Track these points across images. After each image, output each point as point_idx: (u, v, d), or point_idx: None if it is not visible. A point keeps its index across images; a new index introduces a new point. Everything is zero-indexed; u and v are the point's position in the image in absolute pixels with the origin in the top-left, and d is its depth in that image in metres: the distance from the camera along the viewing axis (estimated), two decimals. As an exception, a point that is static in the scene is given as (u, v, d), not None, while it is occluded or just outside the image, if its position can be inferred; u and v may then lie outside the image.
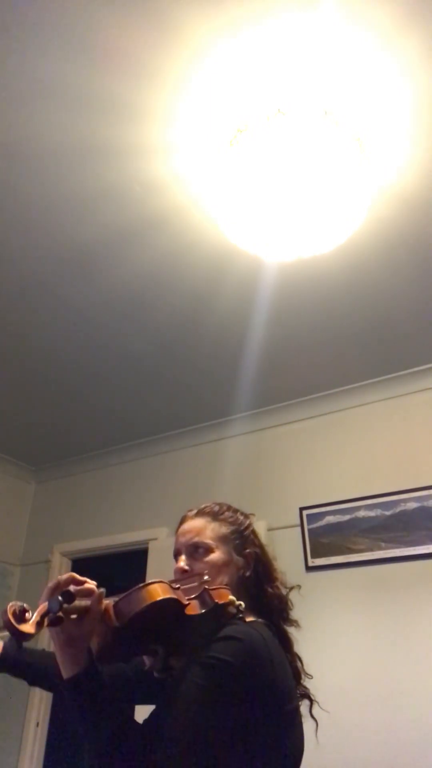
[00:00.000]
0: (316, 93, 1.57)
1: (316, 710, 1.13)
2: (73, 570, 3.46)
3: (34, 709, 3.18)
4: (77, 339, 2.60)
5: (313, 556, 2.67)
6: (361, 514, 2.64)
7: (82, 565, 3.57)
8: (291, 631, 1.15)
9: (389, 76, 1.52)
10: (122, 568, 3.61)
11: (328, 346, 2.63)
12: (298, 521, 2.78)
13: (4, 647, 1.16)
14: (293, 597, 1.20)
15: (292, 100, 1.58)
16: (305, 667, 1.15)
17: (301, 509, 2.79)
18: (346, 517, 2.67)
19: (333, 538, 2.67)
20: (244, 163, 1.62)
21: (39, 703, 3.20)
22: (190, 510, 1.24)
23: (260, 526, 2.68)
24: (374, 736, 2.24)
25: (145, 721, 0.99)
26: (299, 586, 1.23)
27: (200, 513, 1.22)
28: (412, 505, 2.54)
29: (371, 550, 2.55)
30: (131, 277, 2.22)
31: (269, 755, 0.92)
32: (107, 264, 2.17)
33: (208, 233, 2.00)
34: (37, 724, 3.16)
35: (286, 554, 2.71)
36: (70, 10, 1.38)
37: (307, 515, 2.77)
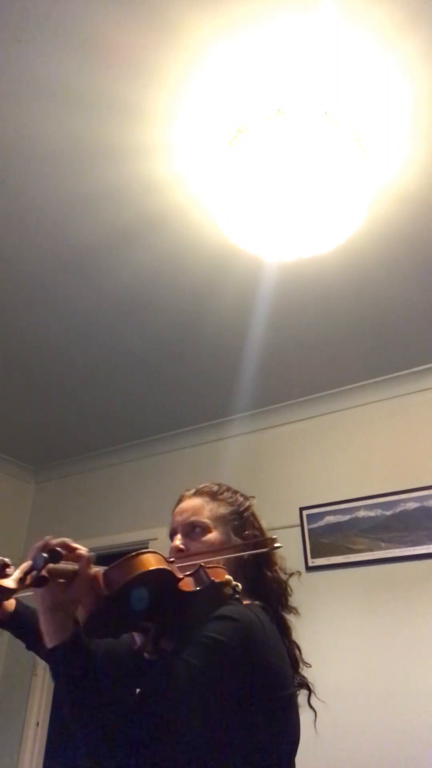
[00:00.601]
0: (316, 93, 1.57)
1: (314, 703, 1.10)
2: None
3: (34, 709, 3.18)
4: (77, 339, 2.60)
5: (313, 556, 2.67)
6: (361, 514, 2.64)
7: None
8: (290, 619, 1.12)
9: (389, 76, 1.52)
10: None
11: (328, 346, 2.63)
12: (298, 521, 2.78)
13: (16, 606, 1.12)
14: (295, 586, 1.17)
15: (292, 100, 1.58)
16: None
17: (301, 509, 2.79)
18: (346, 517, 2.67)
19: (333, 538, 2.67)
20: (244, 163, 1.62)
21: (39, 703, 3.20)
22: (188, 489, 1.21)
23: (260, 526, 2.70)
24: (374, 734, 2.24)
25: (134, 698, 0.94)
26: (299, 573, 1.19)
27: (198, 492, 1.18)
28: (412, 505, 2.54)
29: (371, 550, 2.55)
30: (131, 277, 2.22)
31: (264, 738, 0.89)
32: (107, 264, 2.17)
33: (208, 233, 2.00)
34: (37, 724, 3.16)
35: (286, 554, 2.69)
36: (71, 10, 1.38)
37: (307, 515, 2.77)
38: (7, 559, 0.81)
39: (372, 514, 2.62)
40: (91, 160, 1.76)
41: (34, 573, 0.79)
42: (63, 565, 0.84)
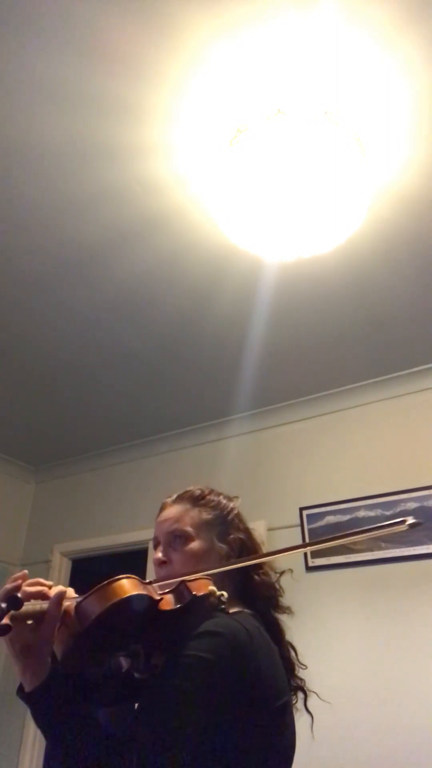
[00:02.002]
0: (316, 93, 1.57)
1: (314, 704, 1.07)
2: (73, 570, 3.50)
3: (34, 709, 3.18)
4: (77, 339, 2.60)
5: (313, 556, 2.67)
6: (361, 514, 2.64)
7: (82, 565, 3.57)
8: (287, 619, 1.08)
9: (389, 76, 1.52)
10: (122, 568, 3.61)
11: (328, 346, 2.63)
12: (298, 521, 2.78)
13: None
14: (292, 594, 1.13)
15: (292, 100, 1.58)
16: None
17: (301, 509, 2.79)
18: (346, 517, 2.67)
19: (333, 538, 2.66)
20: (244, 163, 1.62)
21: (39, 703, 3.20)
22: (169, 496, 1.17)
23: (260, 526, 2.70)
24: (373, 734, 2.24)
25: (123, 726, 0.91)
26: (291, 570, 1.14)
27: (179, 499, 1.15)
28: (412, 505, 2.54)
29: (371, 550, 2.55)
30: (131, 277, 2.22)
31: (255, 754, 0.86)
32: (107, 264, 2.17)
33: (208, 233, 2.00)
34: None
35: (286, 555, 2.70)
36: (71, 10, 1.38)
37: (307, 515, 2.77)
38: None
39: (372, 514, 2.62)
40: (91, 160, 1.76)
41: None
42: (27, 607, 0.80)
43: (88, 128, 1.66)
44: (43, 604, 0.82)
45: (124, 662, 0.94)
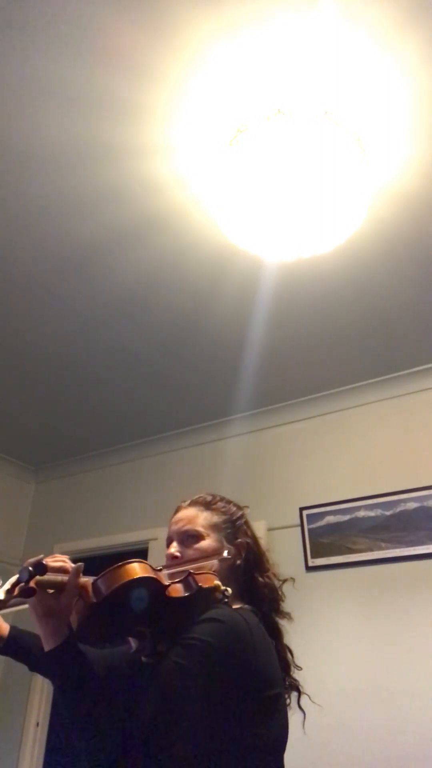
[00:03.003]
0: (316, 93, 1.57)
1: (311, 705, 1.13)
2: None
3: (34, 709, 3.18)
4: (77, 339, 2.60)
5: (313, 556, 2.67)
6: (361, 514, 2.64)
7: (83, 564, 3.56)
8: (286, 622, 1.15)
9: (389, 76, 1.52)
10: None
11: (328, 346, 2.63)
12: (298, 521, 2.78)
13: (10, 631, 1.18)
14: (291, 596, 1.20)
15: (292, 100, 1.58)
16: (302, 665, 1.15)
17: (301, 509, 2.79)
18: (346, 517, 2.67)
19: (333, 538, 2.67)
20: (244, 163, 1.62)
21: (39, 703, 3.20)
22: (184, 501, 1.26)
23: (260, 526, 2.70)
24: (373, 734, 2.24)
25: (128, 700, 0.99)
26: (293, 579, 1.23)
27: (193, 503, 1.24)
28: (412, 505, 2.54)
29: (371, 550, 2.55)
30: (131, 277, 2.22)
31: (246, 737, 0.92)
32: (107, 264, 2.17)
33: (208, 233, 2.00)
34: (37, 724, 3.16)
35: (286, 554, 2.71)
36: (70, 10, 1.38)
37: (307, 515, 2.77)
38: None
39: (372, 514, 2.62)
40: (91, 160, 1.76)
41: (22, 585, 0.84)
42: (50, 577, 0.89)
43: (88, 128, 1.66)
44: (64, 576, 0.92)
45: (133, 643, 1.02)
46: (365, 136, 1.67)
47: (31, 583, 0.85)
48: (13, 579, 0.86)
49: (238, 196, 1.66)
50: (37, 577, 0.85)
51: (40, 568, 0.86)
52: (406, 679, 2.27)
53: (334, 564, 2.61)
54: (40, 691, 3.22)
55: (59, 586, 0.90)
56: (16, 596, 0.85)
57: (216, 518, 1.20)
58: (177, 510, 1.25)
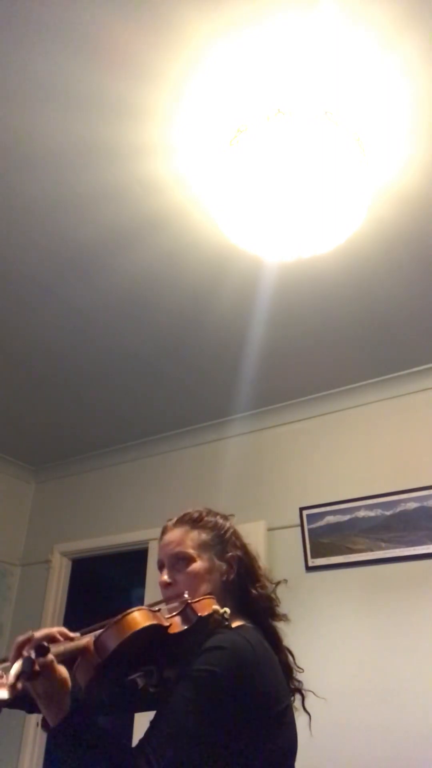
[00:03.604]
0: (316, 93, 1.57)
1: (314, 704, 1.14)
2: (73, 570, 3.50)
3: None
4: (77, 339, 2.60)
5: (313, 556, 2.67)
6: (361, 514, 2.64)
7: (82, 565, 3.57)
8: (281, 626, 1.15)
9: (389, 76, 1.52)
10: (122, 568, 3.61)
11: (328, 346, 2.63)
12: (298, 521, 2.78)
13: None
14: (290, 596, 1.21)
15: (292, 100, 1.58)
16: (302, 666, 1.16)
17: (301, 509, 2.79)
18: (346, 517, 2.67)
19: (333, 538, 2.67)
20: (244, 163, 1.62)
21: (39, 703, 3.19)
22: (170, 519, 1.24)
23: (260, 526, 2.70)
24: (373, 735, 2.24)
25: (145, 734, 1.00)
26: (286, 581, 1.22)
27: (179, 522, 1.21)
28: (412, 505, 2.54)
29: (371, 550, 2.55)
30: (131, 277, 2.22)
31: (259, 754, 0.93)
32: (107, 264, 2.17)
33: (208, 233, 2.00)
34: (37, 724, 3.15)
35: (286, 554, 2.71)
36: (71, 10, 1.38)
37: (307, 515, 2.76)
38: (1, 668, 0.83)
39: (372, 514, 2.62)
40: (91, 160, 1.76)
41: (25, 675, 0.80)
42: (69, 645, 0.88)
43: (88, 128, 1.66)
44: (67, 645, 0.90)
45: (140, 681, 1.02)
46: (365, 136, 1.66)
47: (36, 667, 0.81)
48: (16, 670, 0.80)
49: (238, 196, 1.66)
50: (39, 660, 0.82)
51: (42, 650, 0.82)
52: (406, 678, 2.27)
53: (334, 564, 2.61)
54: (40, 691, 3.22)
55: (80, 652, 0.90)
56: (21, 689, 0.81)
57: (204, 536, 1.17)
58: (164, 530, 1.23)
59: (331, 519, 2.71)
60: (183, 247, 2.07)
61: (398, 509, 2.56)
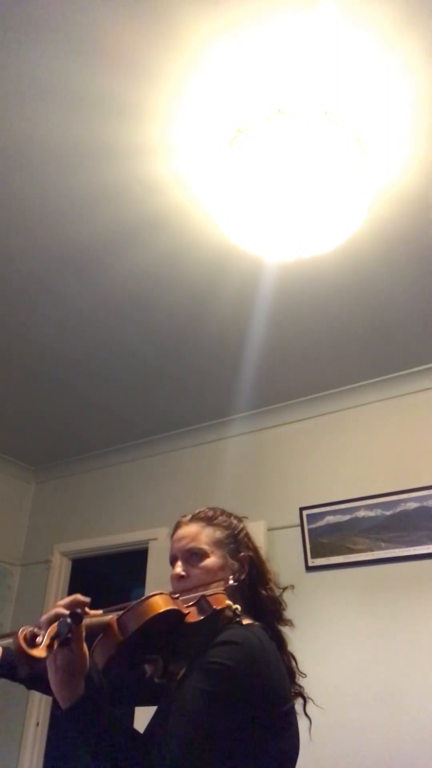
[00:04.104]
0: (316, 93, 1.57)
1: (312, 708, 1.15)
2: (73, 570, 3.50)
3: (34, 709, 3.18)
4: (77, 339, 2.60)
5: (313, 556, 2.67)
6: (361, 514, 2.64)
7: (82, 565, 3.57)
8: (285, 630, 1.16)
9: (389, 76, 1.52)
10: (122, 568, 3.61)
11: (328, 345, 2.63)
12: (298, 521, 2.78)
13: (3, 654, 1.16)
14: (291, 596, 1.22)
15: (292, 100, 1.58)
16: (302, 666, 1.16)
17: (301, 509, 2.79)
18: (346, 517, 2.67)
19: (333, 538, 2.67)
20: (244, 163, 1.62)
21: (39, 703, 3.20)
22: (184, 516, 1.25)
23: (260, 526, 2.70)
24: (373, 735, 2.24)
25: (147, 727, 1.01)
26: (292, 586, 1.24)
27: (194, 518, 1.23)
28: (412, 505, 2.54)
29: (371, 550, 2.55)
30: (131, 277, 2.22)
31: (265, 755, 0.94)
32: (107, 264, 2.17)
33: (208, 233, 2.00)
34: (37, 724, 3.16)
35: (286, 554, 2.71)
36: (71, 10, 1.38)
37: (307, 515, 2.76)
38: (35, 629, 0.85)
39: (372, 514, 2.62)
40: (91, 160, 1.76)
41: (61, 638, 0.83)
42: (94, 620, 0.90)
43: (88, 128, 1.66)
44: (102, 618, 0.93)
45: (148, 668, 1.05)
46: (365, 136, 1.66)
47: (69, 635, 0.83)
48: (51, 632, 0.83)
49: (238, 196, 1.66)
50: (73, 627, 0.84)
51: (77, 617, 0.84)
52: (406, 678, 2.27)
53: (334, 564, 2.61)
54: (40, 691, 3.22)
55: (103, 628, 0.91)
56: (55, 651, 0.83)
57: (219, 534, 1.19)
58: (178, 526, 1.24)
59: (331, 519, 2.71)
60: (183, 247, 2.07)
61: (398, 509, 2.56)
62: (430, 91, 1.56)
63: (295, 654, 1.16)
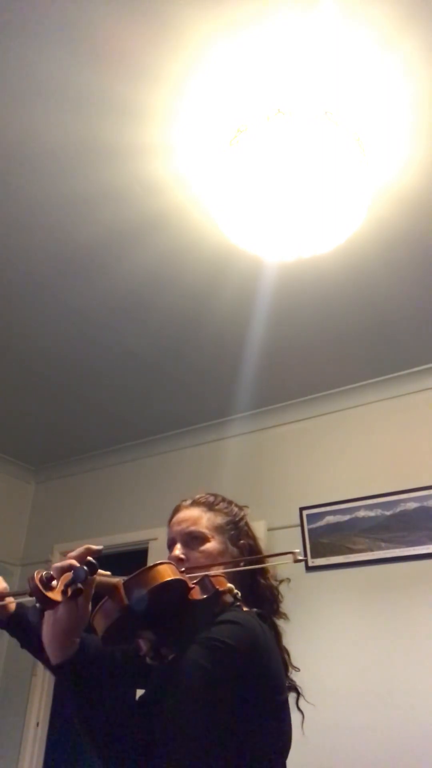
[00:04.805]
0: (316, 93, 1.57)
1: (312, 708, 1.14)
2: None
3: (34, 709, 3.18)
4: (77, 339, 2.60)
5: (313, 556, 2.67)
6: (361, 514, 2.64)
7: (82, 565, 3.56)
8: (286, 621, 1.15)
9: (389, 75, 1.52)
10: (122, 568, 3.61)
11: (328, 346, 2.63)
12: (298, 521, 2.78)
13: (25, 611, 1.16)
14: (291, 596, 1.22)
15: (292, 100, 1.58)
16: (302, 666, 1.15)
17: (301, 509, 2.79)
18: (346, 517, 2.67)
19: (333, 538, 2.67)
20: (244, 163, 1.62)
21: (39, 703, 3.20)
22: (185, 500, 1.24)
23: (260, 526, 2.70)
24: (373, 734, 2.24)
25: (138, 701, 0.97)
26: (289, 580, 1.22)
27: (195, 503, 1.21)
28: (412, 505, 2.54)
29: (371, 550, 2.55)
30: (131, 276, 2.22)
31: (261, 741, 0.93)
32: (107, 264, 2.17)
33: (208, 233, 2.00)
34: (37, 724, 3.16)
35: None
36: (71, 10, 1.38)
37: (307, 515, 2.77)
38: (52, 572, 0.82)
39: (372, 514, 2.62)
40: (91, 160, 1.76)
41: (74, 585, 0.81)
42: (102, 579, 0.87)
43: (88, 128, 1.66)
44: (112, 579, 0.90)
45: (143, 645, 1.00)
46: (365, 136, 1.66)
47: (80, 585, 0.81)
48: (67, 578, 0.81)
49: (238, 196, 1.66)
50: (89, 577, 0.82)
51: (93, 567, 0.82)
52: (406, 678, 2.27)
53: (334, 564, 2.61)
54: (40, 691, 3.22)
55: (109, 590, 0.88)
56: (68, 597, 0.81)
57: (219, 520, 1.18)
58: (177, 509, 1.22)
59: (331, 519, 2.71)
60: (183, 247, 2.07)
61: (398, 509, 2.56)
62: (430, 91, 1.56)
63: (295, 654, 1.16)
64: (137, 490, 3.45)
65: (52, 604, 0.80)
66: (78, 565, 0.84)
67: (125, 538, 3.30)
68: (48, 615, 0.84)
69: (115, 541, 3.33)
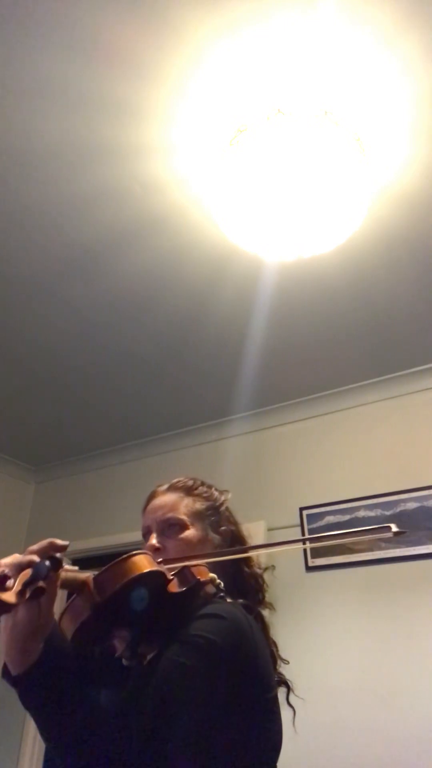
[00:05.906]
0: (316, 93, 1.57)
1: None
2: (73, 570, 3.49)
3: (34, 709, 3.18)
4: (77, 339, 2.60)
5: (313, 556, 2.67)
6: (361, 514, 2.64)
7: (82, 565, 3.55)
8: (280, 621, 1.10)
9: (389, 75, 1.52)
10: (122, 568, 3.61)
11: (328, 346, 2.63)
12: (298, 521, 2.77)
13: None
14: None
15: (292, 100, 1.58)
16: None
17: (301, 509, 2.79)
18: (346, 517, 2.67)
19: (333, 538, 2.67)
20: (244, 163, 1.62)
21: (39, 703, 3.19)
22: (160, 485, 1.15)
23: (260, 526, 2.70)
24: (373, 734, 2.24)
25: (115, 708, 0.86)
26: (273, 567, 1.15)
27: (172, 488, 1.14)
28: (412, 505, 2.54)
29: (371, 550, 2.55)
30: (131, 277, 2.22)
31: (250, 741, 0.87)
32: (107, 264, 2.17)
33: (208, 233, 2.00)
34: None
35: (287, 554, 2.70)
36: (71, 9, 1.38)
37: (307, 515, 2.76)
38: (7, 571, 0.71)
39: (372, 514, 2.62)
40: (91, 160, 1.76)
41: (34, 585, 0.69)
42: (70, 574, 0.78)
43: (88, 128, 1.66)
44: (80, 574, 0.81)
45: (119, 645, 0.91)
46: (365, 136, 1.66)
47: (42, 583, 0.70)
48: (25, 576, 0.70)
49: (238, 196, 1.66)
50: (51, 573, 0.71)
51: (56, 562, 0.71)
52: (406, 678, 2.27)
53: (335, 564, 2.61)
54: (40, 691, 3.22)
55: (78, 586, 0.78)
56: (26, 599, 0.69)
57: (199, 505, 1.10)
58: (153, 496, 1.14)
59: (331, 519, 2.71)
60: (183, 247, 2.07)
61: (398, 509, 2.56)
62: (430, 91, 1.56)
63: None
64: (137, 490, 3.42)
65: (8, 607, 0.68)
66: (38, 560, 0.72)
67: (125, 538, 3.29)
68: (5, 619, 0.73)
69: (115, 541, 3.33)
